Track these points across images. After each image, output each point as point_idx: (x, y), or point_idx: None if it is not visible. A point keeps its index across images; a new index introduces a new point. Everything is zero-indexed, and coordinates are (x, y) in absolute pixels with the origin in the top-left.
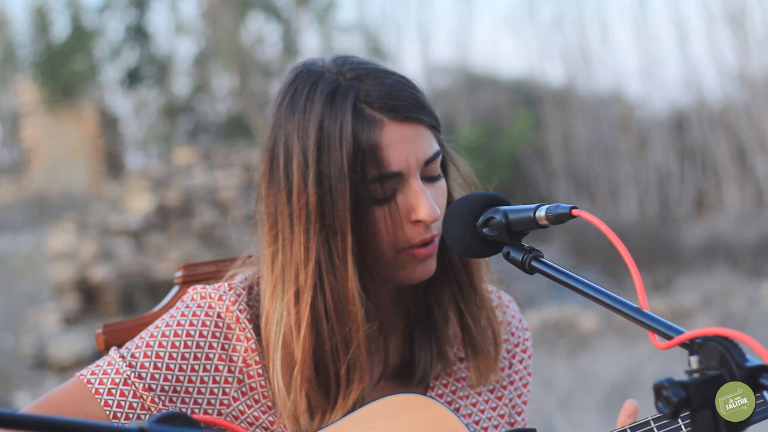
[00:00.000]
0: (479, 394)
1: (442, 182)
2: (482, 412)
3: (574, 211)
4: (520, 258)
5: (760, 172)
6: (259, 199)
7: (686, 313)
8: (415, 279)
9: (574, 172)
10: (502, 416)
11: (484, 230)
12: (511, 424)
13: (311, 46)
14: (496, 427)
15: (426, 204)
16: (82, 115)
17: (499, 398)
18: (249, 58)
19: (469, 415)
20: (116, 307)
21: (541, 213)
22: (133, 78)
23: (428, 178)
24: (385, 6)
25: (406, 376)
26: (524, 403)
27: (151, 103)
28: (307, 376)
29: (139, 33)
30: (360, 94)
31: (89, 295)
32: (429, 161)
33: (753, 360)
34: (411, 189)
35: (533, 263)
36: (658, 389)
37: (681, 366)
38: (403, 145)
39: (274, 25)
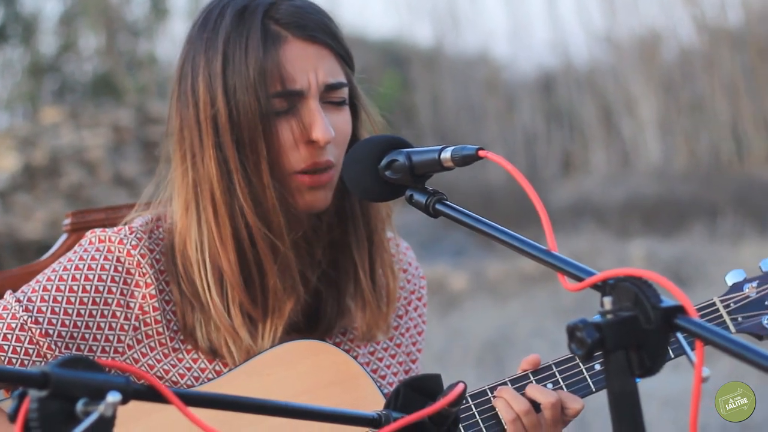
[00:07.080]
0: (377, 342)
1: (347, 113)
2: (380, 360)
3: (481, 153)
4: (424, 201)
5: (626, 133)
6: (169, 120)
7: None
8: (303, 207)
9: (442, 132)
10: (400, 363)
11: (387, 173)
12: (406, 372)
13: (180, 5)
14: (395, 374)
15: (321, 124)
16: None
17: (398, 345)
18: (116, 17)
19: (367, 364)
20: None
21: (446, 154)
22: None
23: (331, 103)
24: None
25: (312, 329)
26: (419, 351)
27: (16, 63)
28: (239, 290)
29: None
30: (269, 10)
31: None
32: (331, 87)
33: (668, 301)
34: (308, 108)
35: (437, 206)
36: (572, 331)
37: (554, 324)
38: (305, 62)
39: None
